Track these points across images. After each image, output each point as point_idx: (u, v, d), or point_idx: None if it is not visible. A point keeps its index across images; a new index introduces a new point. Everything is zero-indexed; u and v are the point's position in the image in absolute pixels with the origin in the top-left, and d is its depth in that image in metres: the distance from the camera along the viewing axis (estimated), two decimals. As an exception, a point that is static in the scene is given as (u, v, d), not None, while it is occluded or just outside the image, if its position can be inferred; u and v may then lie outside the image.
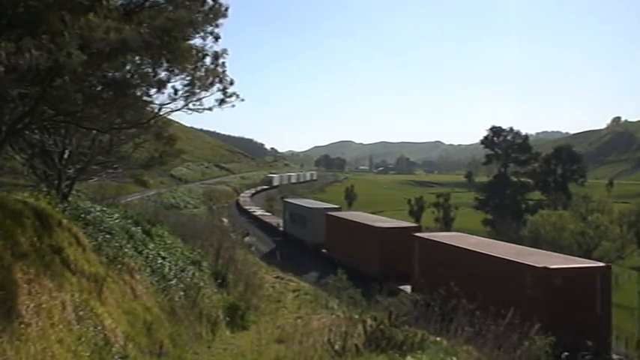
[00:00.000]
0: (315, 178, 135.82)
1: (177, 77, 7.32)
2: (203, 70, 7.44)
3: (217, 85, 7.59)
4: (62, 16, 5.07)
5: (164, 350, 7.90)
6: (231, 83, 7.70)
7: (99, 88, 6.96)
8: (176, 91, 7.46)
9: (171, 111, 7.87)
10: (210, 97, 7.69)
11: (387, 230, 28.18)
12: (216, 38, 7.34)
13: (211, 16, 7.08)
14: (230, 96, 7.76)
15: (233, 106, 7.89)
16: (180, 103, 7.59)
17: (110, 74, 6.66)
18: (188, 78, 7.37)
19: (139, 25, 6.09)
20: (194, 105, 7.65)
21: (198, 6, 6.94)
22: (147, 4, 6.71)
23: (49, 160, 11.09)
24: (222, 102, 7.76)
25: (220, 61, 7.47)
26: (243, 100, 7.98)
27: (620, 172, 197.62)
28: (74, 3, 5.22)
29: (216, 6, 7.08)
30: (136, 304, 8.15)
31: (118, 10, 6.11)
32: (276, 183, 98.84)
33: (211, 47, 7.44)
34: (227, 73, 7.64)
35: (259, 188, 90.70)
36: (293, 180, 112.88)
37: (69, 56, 5.05)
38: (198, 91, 7.50)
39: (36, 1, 5.18)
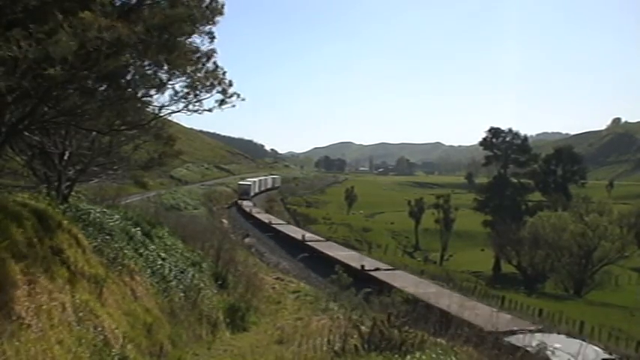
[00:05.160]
0: (277, 184, 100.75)
1: (178, 79, 7.33)
2: (203, 72, 7.44)
3: (217, 87, 7.58)
4: (57, 15, 5.07)
5: (164, 351, 7.90)
6: (230, 85, 7.69)
7: (97, 86, 6.95)
8: (176, 92, 7.45)
9: (172, 112, 7.85)
10: (211, 98, 7.68)
11: None
12: (212, 38, 7.36)
13: (208, 13, 7.09)
14: (230, 96, 7.73)
15: (233, 106, 7.84)
16: (181, 104, 7.59)
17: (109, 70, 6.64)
18: (188, 80, 7.38)
19: (136, 22, 6.09)
20: (194, 106, 7.63)
21: (196, 2, 6.95)
22: (145, 2, 6.73)
23: (49, 161, 11.09)
24: (222, 102, 7.73)
25: (212, 61, 7.48)
26: (243, 99, 7.86)
27: (620, 174, 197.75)
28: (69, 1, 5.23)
29: (213, 4, 7.08)
30: (136, 306, 8.16)
31: (114, 8, 6.13)
32: (252, 192, 75.06)
33: (206, 47, 7.46)
34: (226, 74, 7.64)
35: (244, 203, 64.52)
36: (256, 189, 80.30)
37: (56, 44, 5.02)
38: (198, 92, 7.49)
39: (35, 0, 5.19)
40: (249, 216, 52.50)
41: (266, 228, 42.88)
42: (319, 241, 36.06)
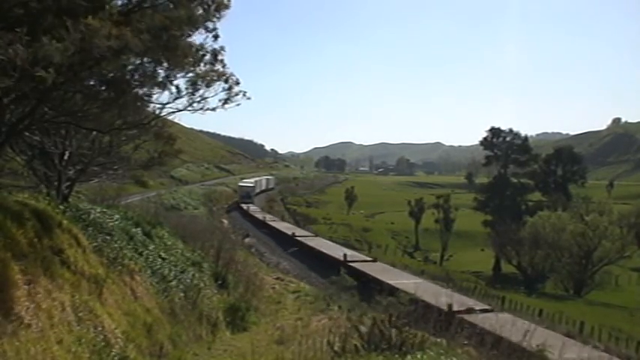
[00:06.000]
0: (271, 186, 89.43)
1: (179, 75, 7.27)
2: (203, 65, 7.37)
3: (222, 85, 7.49)
4: (63, 20, 5.06)
5: (164, 351, 7.90)
6: (237, 83, 7.57)
7: (98, 88, 6.95)
8: (179, 90, 7.39)
9: (175, 111, 7.77)
10: (215, 97, 7.58)
11: None
12: (216, 37, 7.30)
13: (214, 11, 7.04)
14: (236, 95, 7.62)
15: (238, 104, 7.75)
16: (184, 102, 7.50)
17: (110, 74, 6.63)
18: (190, 75, 7.32)
19: (138, 22, 6.09)
20: (198, 104, 7.54)
21: (197, 4, 6.94)
22: (145, 4, 6.72)
23: (49, 161, 11.10)
24: (226, 101, 7.63)
25: (219, 58, 7.40)
26: (249, 98, 7.73)
27: (620, 174, 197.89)
28: (74, 5, 5.22)
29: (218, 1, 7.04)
30: (136, 306, 8.16)
31: (118, 12, 6.12)
32: (254, 194, 67.61)
33: (210, 45, 7.38)
34: (233, 72, 7.53)
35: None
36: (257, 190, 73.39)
37: (47, 47, 4.98)
38: (201, 89, 7.41)
39: (35, 2, 5.19)
40: (261, 224, 42.84)
41: (289, 241, 34.20)
42: (365, 262, 27.52)
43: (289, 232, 36.75)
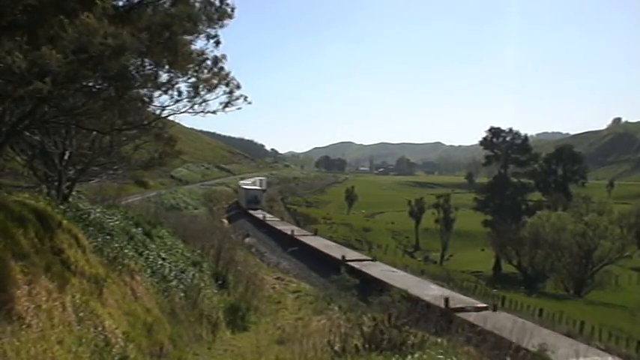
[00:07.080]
0: (263, 187, 69.23)
1: (181, 79, 7.28)
2: (207, 71, 7.38)
3: (223, 88, 7.50)
4: (60, 19, 5.05)
5: (164, 351, 7.90)
6: (238, 87, 7.57)
7: (98, 86, 6.94)
8: (180, 92, 7.40)
9: (175, 113, 7.79)
10: (215, 99, 7.59)
11: None
12: (217, 43, 7.29)
13: (215, 14, 7.04)
14: (237, 99, 7.63)
15: (239, 108, 7.77)
16: (185, 104, 7.52)
17: (111, 73, 6.62)
18: (192, 80, 7.33)
19: (138, 21, 6.08)
20: (199, 106, 7.55)
21: (201, 3, 6.94)
22: (146, 0, 6.71)
23: (50, 161, 11.10)
24: (227, 105, 7.65)
25: (219, 65, 7.40)
26: (250, 102, 7.73)
27: (621, 174, 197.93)
28: (70, 2, 5.22)
29: (223, 6, 7.04)
30: (137, 305, 8.16)
31: (115, 10, 6.11)
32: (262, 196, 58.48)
33: (212, 52, 7.37)
34: (233, 76, 7.54)
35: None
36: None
37: (43, 57, 4.98)
38: (203, 93, 7.41)
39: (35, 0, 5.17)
40: (288, 240, 33.03)
41: (335, 265, 24.10)
42: (480, 310, 17.62)
43: (335, 255, 27.11)
